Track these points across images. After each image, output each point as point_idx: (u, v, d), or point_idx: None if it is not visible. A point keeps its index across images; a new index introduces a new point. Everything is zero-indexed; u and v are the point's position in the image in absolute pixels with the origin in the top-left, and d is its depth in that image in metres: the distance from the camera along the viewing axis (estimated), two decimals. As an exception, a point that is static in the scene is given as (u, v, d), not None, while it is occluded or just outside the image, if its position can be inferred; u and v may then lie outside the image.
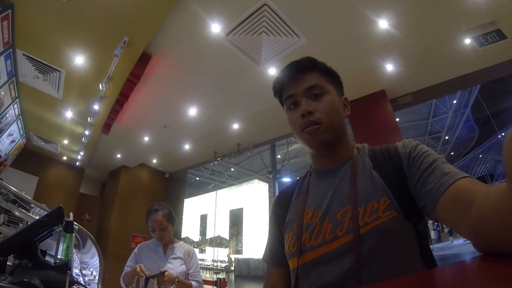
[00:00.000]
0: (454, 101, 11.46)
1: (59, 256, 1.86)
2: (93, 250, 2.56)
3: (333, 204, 0.72)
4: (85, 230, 2.46)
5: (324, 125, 0.75)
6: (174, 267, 1.86)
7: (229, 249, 16.01)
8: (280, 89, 0.85)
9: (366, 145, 0.84)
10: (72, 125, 5.59)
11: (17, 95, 4.54)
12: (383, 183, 0.68)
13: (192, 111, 5.09)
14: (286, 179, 13.34)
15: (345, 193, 0.72)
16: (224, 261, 15.01)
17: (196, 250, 2.12)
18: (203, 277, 2.03)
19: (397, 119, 5.69)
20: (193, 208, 17.33)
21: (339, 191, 0.74)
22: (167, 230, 1.93)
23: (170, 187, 8.94)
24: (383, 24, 3.18)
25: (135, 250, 2.00)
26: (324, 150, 0.80)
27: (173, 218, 2.00)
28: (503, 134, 13.98)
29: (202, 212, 17.70)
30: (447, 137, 14.45)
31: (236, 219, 16.28)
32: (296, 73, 0.81)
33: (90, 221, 8.34)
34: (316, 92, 0.78)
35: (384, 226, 0.62)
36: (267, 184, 15.23)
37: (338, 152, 0.80)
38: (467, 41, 3.40)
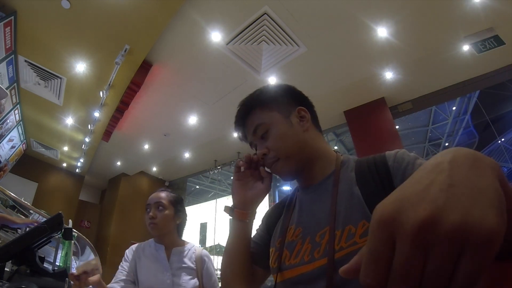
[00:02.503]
0: (454, 108, 11.45)
1: (57, 263, 1.85)
2: (92, 257, 2.54)
3: (313, 224, 0.70)
4: (84, 237, 2.46)
5: (281, 160, 0.75)
6: (182, 283, 1.33)
7: (229, 258, 15.86)
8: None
9: (353, 158, 0.79)
10: (72, 132, 5.60)
11: (18, 101, 4.57)
12: (363, 204, 0.62)
13: (193, 120, 5.10)
14: (286, 188, 13.29)
15: (325, 213, 0.68)
16: (224, 269, 14.86)
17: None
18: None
19: (397, 127, 5.70)
20: (193, 217, 17.22)
21: (320, 210, 0.71)
22: (163, 213, 1.41)
23: (170, 195, 8.87)
24: (382, 32, 3.21)
25: (127, 253, 1.45)
26: (297, 176, 0.80)
27: (179, 206, 1.50)
28: (503, 139, 13.97)
29: (202, 221, 17.58)
30: (447, 144, 14.39)
31: (236, 227, 16.19)
32: (242, 122, 0.84)
33: (89, 228, 8.27)
34: (261, 133, 0.78)
35: None
36: (267, 192, 15.20)
37: (316, 169, 0.78)
38: (466, 47, 3.42)
